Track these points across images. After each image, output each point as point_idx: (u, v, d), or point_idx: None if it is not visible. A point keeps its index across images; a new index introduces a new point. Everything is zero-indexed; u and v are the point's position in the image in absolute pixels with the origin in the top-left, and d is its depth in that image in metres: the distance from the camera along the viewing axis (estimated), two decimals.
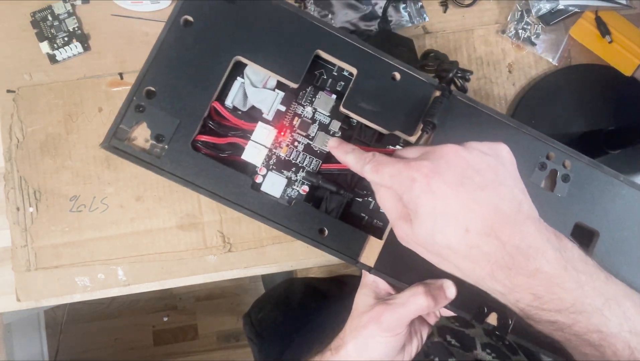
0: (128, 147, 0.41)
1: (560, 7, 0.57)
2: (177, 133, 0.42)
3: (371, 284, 0.43)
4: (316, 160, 0.45)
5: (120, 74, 0.54)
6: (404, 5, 0.59)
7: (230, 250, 0.54)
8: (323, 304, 0.68)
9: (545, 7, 0.58)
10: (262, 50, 0.42)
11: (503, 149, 0.35)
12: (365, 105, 0.43)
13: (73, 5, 0.54)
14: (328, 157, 0.45)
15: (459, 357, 0.47)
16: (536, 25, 0.59)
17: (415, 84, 0.43)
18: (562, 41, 0.60)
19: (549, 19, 0.58)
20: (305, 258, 0.56)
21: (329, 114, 0.45)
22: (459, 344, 0.51)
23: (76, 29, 0.54)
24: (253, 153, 0.43)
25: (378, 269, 0.42)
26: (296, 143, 0.45)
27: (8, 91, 0.53)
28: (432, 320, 0.45)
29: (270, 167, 0.44)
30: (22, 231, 0.52)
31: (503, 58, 0.60)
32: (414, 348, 0.43)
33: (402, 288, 0.41)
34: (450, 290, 0.39)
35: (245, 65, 0.44)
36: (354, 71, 0.43)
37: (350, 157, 0.39)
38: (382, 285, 0.43)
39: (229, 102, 0.44)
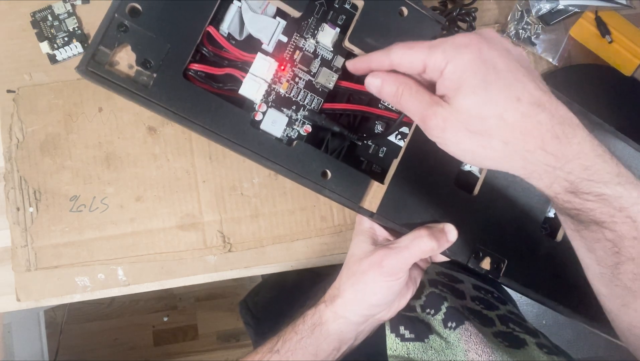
0: (109, 72, 0.35)
1: (560, 7, 0.57)
2: (167, 60, 0.36)
3: (368, 230, 0.42)
4: (317, 99, 0.42)
5: None
6: None
7: (230, 250, 0.54)
8: (318, 282, 0.68)
9: (545, 7, 0.57)
10: None
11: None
12: (371, 41, 0.40)
13: (73, 5, 0.54)
14: (330, 96, 0.43)
15: (452, 303, 0.47)
16: (536, 25, 0.59)
17: (422, 21, 0.41)
18: (562, 41, 0.60)
19: (549, 19, 0.58)
20: (305, 258, 0.56)
21: (332, 49, 0.42)
22: (450, 292, 0.51)
23: (76, 29, 0.54)
24: (252, 87, 0.39)
25: (380, 214, 0.41)
26: (297, 80, 0.41)
27: (8, 91, 0.53)
28: (424, 265, 0.45)
29: (270, 104, 0.41)
30: (22, 231, 0.52)
31: None
32: (409, 292, 0.44)
33: (401, 234, 0.41)
34: (452, 233, 0.39)
35: None
36: (360, 3, 0.41)
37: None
38: (380, 231, 0.42)
39: (223, 28, 0.40)
